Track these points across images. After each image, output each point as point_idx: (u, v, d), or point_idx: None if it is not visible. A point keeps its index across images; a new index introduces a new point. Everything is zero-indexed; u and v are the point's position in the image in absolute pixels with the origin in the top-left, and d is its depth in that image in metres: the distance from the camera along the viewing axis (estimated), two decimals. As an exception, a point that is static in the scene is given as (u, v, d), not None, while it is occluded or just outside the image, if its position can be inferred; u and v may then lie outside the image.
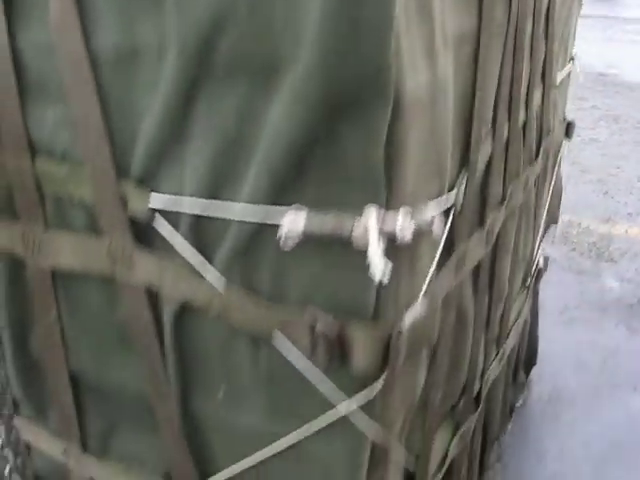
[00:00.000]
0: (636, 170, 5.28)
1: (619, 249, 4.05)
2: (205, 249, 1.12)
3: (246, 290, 1.09)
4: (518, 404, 2.71)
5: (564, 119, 2.38)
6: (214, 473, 1.33)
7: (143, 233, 1.17)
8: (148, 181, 1.13)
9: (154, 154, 1.11)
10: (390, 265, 0.93)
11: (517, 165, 1.71)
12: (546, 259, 2.57)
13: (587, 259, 3.93)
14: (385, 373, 1.06)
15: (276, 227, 1.01)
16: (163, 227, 1.13)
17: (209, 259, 1.12)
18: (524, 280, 2.24)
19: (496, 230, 1.56)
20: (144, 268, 1.17)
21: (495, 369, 1.97)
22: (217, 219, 1.08)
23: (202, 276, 1.12)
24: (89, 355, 1.38)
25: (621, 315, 3.38)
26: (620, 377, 2.92)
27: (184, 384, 1.26)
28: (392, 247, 0.99)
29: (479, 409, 1.81)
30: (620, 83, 7.33)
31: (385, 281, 0.95)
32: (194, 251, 1.12)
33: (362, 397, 1.08)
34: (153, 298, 1.21)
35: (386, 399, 1.09)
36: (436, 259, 1.17)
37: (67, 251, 1.26)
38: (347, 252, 0.99)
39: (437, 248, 1.17)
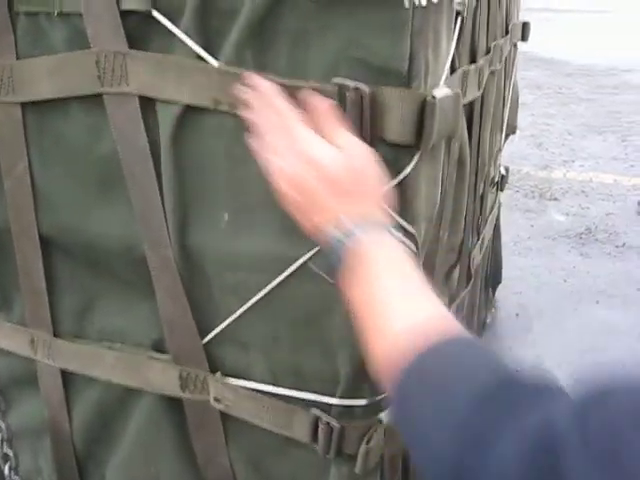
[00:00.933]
0: (564, 126, 5.42)
1: (560, 189, 4.11)
2: (213, 35, 1.01)
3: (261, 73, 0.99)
4: (488, 320, 2.68)
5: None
6: (218, 324, 1.21)
7: (137, 33, 1.06)
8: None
9: None
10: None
11: (495, 27, 1.66)
12: (507, 168, 2.55)
13: (531, 199, 3.97)
14: (418, 151, 0.98)
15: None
16: (162, 17, 1.02)
17: (218, 46, 1.01)
18: (493, 178, 2.21)
19: (484, 79, 1.51)
20: (140, 73, 1.06)
21: (477, 256, 1.92)
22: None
23: (211, 67, 1.01)
24: (65, 210, 1.24)
25: (572, 243, 3.41)
26: (581, 293, 2.94)
27: (183, 216, 1.14)
28: (421, 11, 0.92)
29: (471, 283, 1.75)
30: (539, 58, 7.52)
31: (423, 3, 0.86)
32: (201, 38, 1.01)
33: (393, 181, 0.99)
34: (147, 112, 1.10)
35: (415, 184, 1.01)
36: (453, 45, 1.10)
37: (42, 77, 1.13)
38: (380, 5, 0.91)
39: (454, 30, 1.10)
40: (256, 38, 0.99)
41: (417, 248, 1.07)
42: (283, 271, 1.10)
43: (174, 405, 1.34)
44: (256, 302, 1.15)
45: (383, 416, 1.19)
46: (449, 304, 1.60)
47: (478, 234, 1.91)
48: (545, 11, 10.14)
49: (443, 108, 0.97)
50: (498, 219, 2.58)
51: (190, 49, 1.03)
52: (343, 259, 0.79)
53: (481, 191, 1.84)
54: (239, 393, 1.24)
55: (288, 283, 1.11)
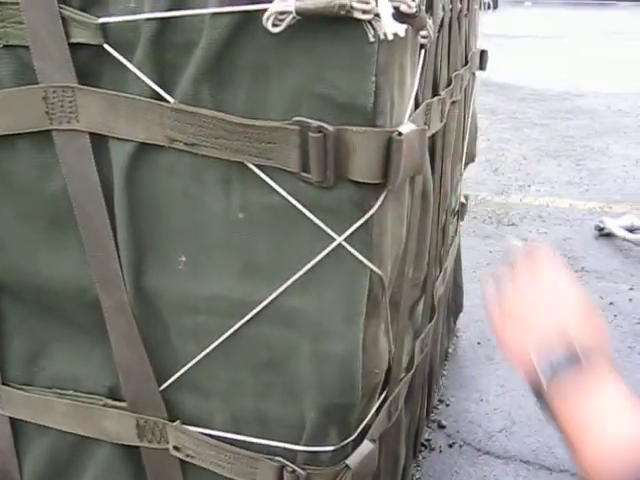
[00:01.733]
0: (520, 150, 5.47)
1: (517, 214, 4.13)
2: (168, 70, 0.97)
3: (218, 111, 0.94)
4: (450, 350, 2.65)
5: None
6: (176, 369, 1.16)
7: (87, 68, 1.01)
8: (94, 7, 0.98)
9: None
10: (402, 27, 0.82)
11: (455, 57, 1.65)
12: (466, 197, 2.54)
13: (489, 225, 3.98)
14: (385, 189, 0.95)
15: (258, 21, 0.88)
16: (114, 51, 0.97)
17: (173, 83, 0.97)
18: (454, 208, 2.19)
19: (446, 110, 1.49)
20: (90, 109, 1.01)
21: (440, 288, 1.89)
22: (183, 32, 0.94)
23: (166, 104, 0.96)
24: (14, 251, 1.18)
25: (531, 269, 3.41)
26: (542, 320, 2.92)
27: (137, 257, 1.09)
28: (387, 45, 0.89)
29: (435, 318, 1.72)
30: (492, 84, 7.62)
31: (389, 37, 0.83)
32: (155, 74, 0.97)
33: (359, 220, 0.95)
34: (99, 149, 1.05)
35: (381, 223, 0.98)
36: (417, 79, 1.07)
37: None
38: (344, 39, 0.87)
39: (418, 63, 1.07)
40: (213, 73, 0.95)
41: (384, 289, 1.03)
42: (244, 314, 1.06)
43: (132, 455, 1.28)
44: (216, 347, 1.11)
45: (350, 461, 1.15)
46: (414, 339, 1.56)
47: (440, 266, 1.89)
48: (500, 37, 10.32)
49: (409, 145, 0.94)
50: (459, 248, 2.57)
51: (144, 84, 0.98)
52: (563, 377, 0.75)
53: (443, 222, 1.81)
54: (200, 441, 1.18)
55: (249, 327, 1.07)
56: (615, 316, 2.96)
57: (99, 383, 1.26)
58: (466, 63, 1.88)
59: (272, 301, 1.03)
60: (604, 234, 3.81)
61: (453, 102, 1.61)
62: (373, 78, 0.89)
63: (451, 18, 1.51)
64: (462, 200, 2.44)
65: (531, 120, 6.44)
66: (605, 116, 6.58)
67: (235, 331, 1.07)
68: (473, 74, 2.18)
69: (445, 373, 2.53)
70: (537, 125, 6.26)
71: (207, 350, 1.11)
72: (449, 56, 1.53)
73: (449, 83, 1.54)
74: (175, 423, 1.19)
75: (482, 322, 2.87)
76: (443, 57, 1.46)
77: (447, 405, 2.36)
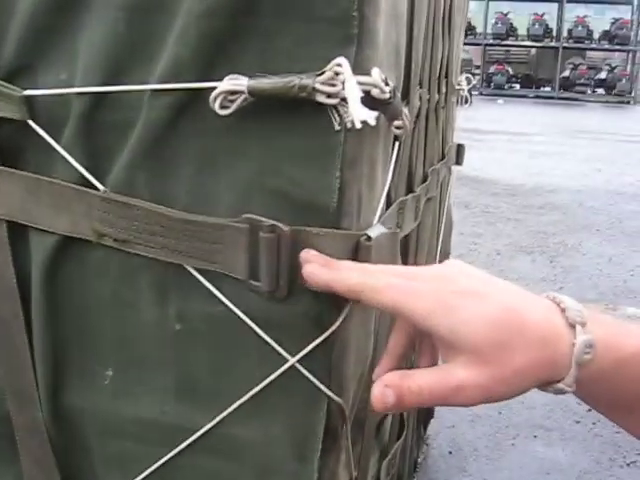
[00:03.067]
0: (493, 245, 5.40)
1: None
2: (101, 153, 0.83)
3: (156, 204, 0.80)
4: (420, 459, 2.46)
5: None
6: (97, 501, 0.97)
7: (10, 146, 0.87)
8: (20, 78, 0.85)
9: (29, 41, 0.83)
10: (372, 114, 0.69)
11: (432, 151, 1.54)
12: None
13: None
14: (348, 303, 0.80)
15: (205, 102, 0.75)
16: (39, 128, 0.84)
17: (105, 168, 0.83)
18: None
19: (421, 208, 1.36)
20: (11, 194, 0.86)
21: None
22: (119, 110, 0.80)
23: (94, 193, 0.82)
24: None
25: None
26: (517, 427, 2.76)
27: (56, 369, 0.92)
28: (355, 136, 0.76)
29: (404, 433, 1.55)
30: (465, 177, 7.64)
31: (358, 125, 0.69)
32: (85, 156, 0.83)
33: (316, 339, 0.80)
34: (18, 241, 0.90)
35: (344, 342, 0.82)
36: (389, 175, 0.94)
37: None
38: (304, 126, 0.74)
39: (391, 157, 0.94)
40: (151, 159, 0.81)
41: (344, 419, 0.87)
42: (178, 443, 0.89)
43: None
44: (145, 477, 0.93)
45: None
46: (380, 460, 1.39)
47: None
48: (473, 132, 10.46)
49: (379, 250, 0.80)
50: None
51: (73, 169, 0.84)
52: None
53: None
54: None
55: (183, 457, 0.90)
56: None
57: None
58: (443, 157, 1.77)
59: (211, 429, 0.86)
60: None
61: (428, 199, 1.49)
62: (338, 173, 0.75)
63: (428, 109, 1.40)
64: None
65: (504, 215, 6.42)
66: (577, 213, 6.59)
67: (166, 462, 0.90)
68: (449, 169, 2.08)
69: (414, 486, 2.34)
70: (510, 220, 6.23)
71: (134, 481, 0.93)
72: (425, 150, 1.41)
73: (425, 179, 1.42)
74: None
75: (454, 428, 2.70)
76: (419, 151, 1.34)
77: (414, 526, 2.16)
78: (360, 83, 0.71)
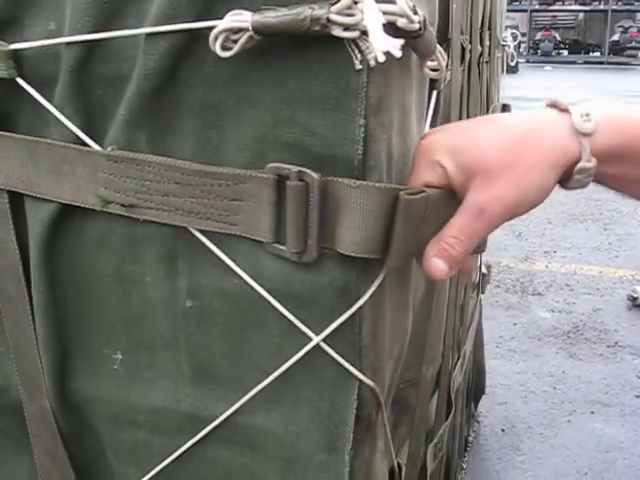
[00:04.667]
0: (544, 214, 5.21)
1: (543, 283, 3.85)
2: (96, 111, 0.74)
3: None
4: (471, 438, 2.36)
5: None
6: (111, 495, 0.89)
7: (1, 107, 0.78)
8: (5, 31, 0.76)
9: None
10: (397, 43, 0.58)
11: (475, 108, 1.41)
12: (488, 266, 2.28)
13: (513, 294, 3.70)
14: (382, 272, 0.69)
15: (207, 45, 0.65)
16: (28, 86, 0.75)
17: (101, 127, 0.74)
18: (474, 281, 1.93)
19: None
20: (8, 160, 0.78)
21: (458, 377, 1.62)
22: (112, 60, 0.71)
23: (99, 152, 0.73)
24: None
25: (559, 343, 3.13)
26: (574, 403, 2.63)
27: (60, 354, 0.84)
28: (380, 75, 0.65)
29: (451, 415, 1.44)
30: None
31: (380, 58, 0.58)
32: (79, 116, 0.74)
33: (343, 314, 0.70)
34: (16, 212, 0.81)
35: (376, 317, 0.72)
36: (428, 121, 0.83)
37: None
38: (320, 66, 0.64)
39: (427, 106, 0.83)
40: (152, 114, 0.71)
41: (379, 405, 0.76)
42: (195, 433, 0.80)
43: None
44: (161, 471, 0.84)
45: None
46: (425, 443, 1.29)
47: (459, 350, 1.62)
48: (518, 100, 10.17)
49: (423, 210, 0.69)
50: (480, 324, 2.29)
51: (68, 131, 0.75)
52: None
53: (461, 299, 1.55)
54: None
55: (201, 449, 0.81)
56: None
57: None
58: (487, 116, 1.64)
59: (229, 418, 0.77)
60: (637, 304, 3.52)
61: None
62: (361, 120, 0.64)
63: (470, 61, 1.27)
64: (483, 270, 2.18)
65: (555, 182, 6.20)
66: (632, 179, 6.33)
67: (183, 453, 0.81)
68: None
69: (464, 466, 2.23)
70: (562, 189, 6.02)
71: (149, 475, 0.84)
72: (468, 105, 1.29)
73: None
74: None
75: (507, 405, 2.58)
76: (461, 105, 1.22)
77: (467, 508, 2.06)
78: (384, 12, 0.60)
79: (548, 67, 19.90)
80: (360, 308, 0.70)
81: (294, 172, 0.65)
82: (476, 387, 2.36)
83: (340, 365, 0.72)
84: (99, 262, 0.78)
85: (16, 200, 0.81)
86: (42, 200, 0.79)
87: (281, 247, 0.68)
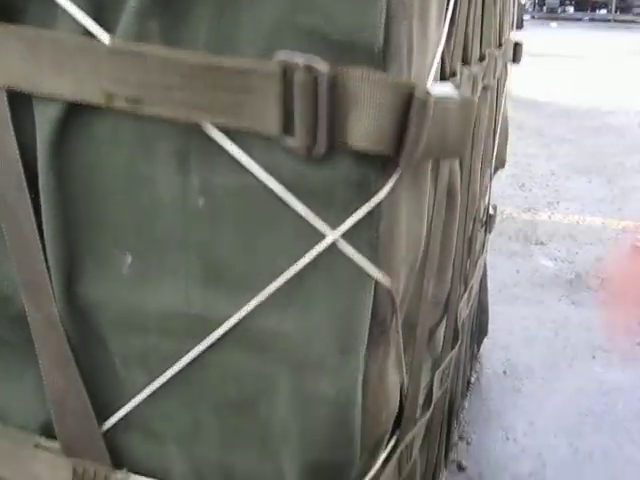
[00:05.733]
0: (547, 166, 5.18)
1: (546, 233, 3.83)
2: (105, 4, 0.71)
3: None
4: (473, 379, 2.36)
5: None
6: (122, 404, 0.89)
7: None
8: None
9: None
10: None
11: (489, 33, 1.38)
12: (495, 207, 2.26)
13: (516, 242, 3.68)
14: (398, 168, 0.67)
15: None
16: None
17: (111, 21, 0.71)
18: (482, 218, 1.91)
19: (478, 91, 1.21)
20: (9, 56, 0.75)
21: (464, 310, 1.61)
22: None
23: (102, 44, 0.70)
24: None
25: (562, 291, 3.12)
26: (575, 347, 2.63)
27: (69, 258, 0.82)
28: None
29: (458, 343, 1.44)
30: (519, 99, 7.33)
31: None
32: (90, 4, 0.71)
33: (360, 209, 0.68)
34: (22, 113, 0.79)
35: (393, 215, 0.70)
36: (444, 34, 0.80)
37: None
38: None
39: (444, 16, 0.80)
40: (165, 4, 0.68)
41: (394, 307, 0.75)
42: (205, 337, 0.78)
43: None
44: (170, 378, 0.83)
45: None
46: (432, 370, 1.28)
47: (466, 283, 1.60)
48: (527, 55, 10.03)
49: (441, 113, 0.67)
50: (485, 266, 2.28)
51: (75, 21, 0.72)
52: None
53: (470, 231, 1.53)
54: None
55: (212, 353, 0.79)
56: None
57: (31, 417, 0.99)
58: (499, 46, 1.60)
59: (240, 321, 0.75)
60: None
61: (485, 87, 1.34)
62: (383, 4, 0.62)
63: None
64: (491, 211, 2.16)
65: (559, 136, 6.15)
66: (636, 134, 6.28)
67: (194, 359, 0.80)
68: (506, 66, 1.91)
69: (466, 406, 2.24)
70: (566, 141, 5.97)
71: (159, 381, 0.83)
72: (482, 26, 1.26)
73: (481, 59, 1.27)
74: (121, 472, 0.92)
75: (508, 348, 2.59)
76: (476, 27, 1.19)
77: (468, 443, 2.07)
78: None
79: (554, 24, 19.60)
80: (378, 205, 0.68)
81: (301, 66, 0.62)
82: (479, 328, 2.36)
83: (356, 264, 0.70)
84: (109, 160, 0.76)
85: (23, 101, 0.79)
86: (49, 100, 0.76)
87: (290, 141, 0.66)
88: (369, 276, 0.71)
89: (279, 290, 0.73)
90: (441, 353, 1.34)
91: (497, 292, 3.01)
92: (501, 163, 2.22)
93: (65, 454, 0.95)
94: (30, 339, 0.91)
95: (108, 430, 0.91)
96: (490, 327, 2.53)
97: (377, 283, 0.72)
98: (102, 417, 0.90)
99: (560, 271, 3.32)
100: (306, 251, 0.71)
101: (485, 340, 2.52)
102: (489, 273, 2.57)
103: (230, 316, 0.76)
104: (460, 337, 1.46)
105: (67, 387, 0.90)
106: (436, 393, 1.26)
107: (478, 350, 2.43)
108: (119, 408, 0.89)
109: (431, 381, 1.25)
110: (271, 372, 0.77)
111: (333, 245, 0.70)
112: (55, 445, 0.97)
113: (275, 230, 0.72)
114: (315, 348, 0.74)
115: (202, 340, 0.79)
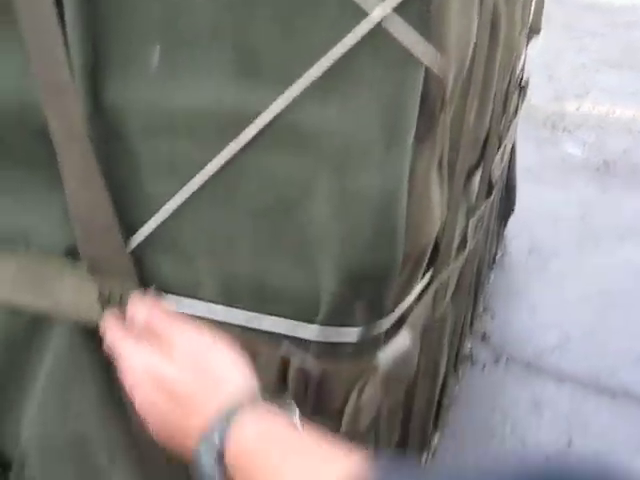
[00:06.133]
0: (578, 59, 5.00)
1: (574, 122, 3.73)
2: None
3: None
4: (498, 256, 2.33)
5: None
6: (149, 218, 0.85)
7: None
8: None
9: None
10: None
11: None
12: (527, 80, 2.16)
13: (543, 130, 3.59)
14: None
15: None
16: None
17: None
18: (517, 79, 1.82)
19: None
20: None
21: (497, 166, 1.54)
22: None
23: None
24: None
25: (590, 176, 3.05)
26: (602, 230, 2.58)
27: (94, 55, 0.77)
28: None
29: (492, 195, 1.38)
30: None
31: None
32: None
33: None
34: None
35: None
36: None
37: None
38: None
39: None
40: None
41: (444, 97, 0.69)
42: (238, 135, 0.73)
43: (95, 336, 0.98)
44: (202, 186, 0.79)
45: (382, 358, 0.84)
46: (467, 217, 1.23)
47: (499, 140, 1.54)
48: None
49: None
50: (515, 141, 2.20)
51: None
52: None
53: (506, 84, 1.46)
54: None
55: (246, 153, 0.74)
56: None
57: (55, 238, 0.96)
58: None
59: (278, 114, 0.70)
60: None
61: None
62: None
63: None
64: (524, 78, 2.07)
65: (590, 30, 5.91)
66: (672, 27, 6.04)
67: (227, 162, 0.75)
68: None
69: (491, 281, 2.21)
70: (597, 35, 5.74)
71: (189, 190, 0.79)
72: None
73: None
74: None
75: (535, 229, 2.54)
76: None
77: (492, 316, 2.05)
78: None
79: None
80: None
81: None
82: (506, 205, 2.30)
83: (405, 45, 0.64)
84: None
85: None
86: None
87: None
88: (419, 59, 0.65)
89: (320, 78, 0.67)
90: (475, 202, 1.29)
91: (523, 176, 2.94)
92: (536, 31, 2.12)
93: (91, 275, 0.92)
94: (55, 157, 0.86)
95: (135, 248, 0.88)
96: (515, 208, 2.48)
97: (427, 70, 0.66)
98: (129, 234, 0.87)
99: (588, 158, 3.24)
100: (350, 31, 0.64)
101: (510, 220, 2.47)
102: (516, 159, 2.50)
103: (265, 110, 0.71)
104: (493, 192, 1.40)
105: (93, 203, 0.86)
106: (470, 241, 1.22)
107: (504, 227, 2.38)
108: (146, 221, 0.85)
109: (465, 227, 1.21)
110: (311, 171, 0.72)
111: (380, 23, 0.63)
112: (80, 268, 0.94)
113: (316, 8, 0.65)
114: (359, 140, 0.69)
115: (234, 140, 0.74)
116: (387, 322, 0.83)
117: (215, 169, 0.77)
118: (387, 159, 0.68)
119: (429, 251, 0.85)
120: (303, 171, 0.72)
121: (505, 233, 2.46)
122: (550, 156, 3.23)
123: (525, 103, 3.40)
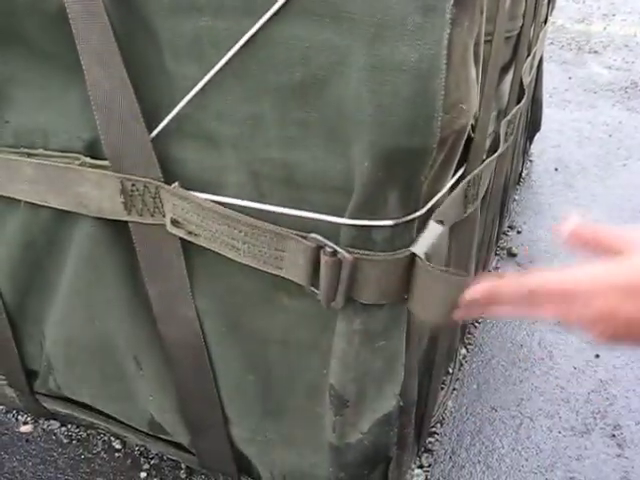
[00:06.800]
0: None
1: (601, 42, 3.62)
2: None
3: None
4: (524, 175, 2.28)
5: None
6: (173, 106, 0.82)
7: None
8: None
9: None
10: None
11: None
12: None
13: (568, 51, 3.49)
14: None
15: None
16: None
17: None
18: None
19: None
20: None
21: (527, 74, 1.48)
22: None
23: None
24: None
25: (616, 97, 2.97)
26: (630, 149, 2.52)
27: None
28: None
29: (523, 100, 1.33)
30: None
31: None
32: None
33: None
34: None
35: None
36: None
37: None
38: None
39: None
40: None
41: None
42: (265, 9, 0.69)
43: (118, 234, 0.96)
44: (227, 64, 0.75)
45: (416, 248, 0.81)
46: (498, 120, 1.19)
47: (529, 48, 1.47)
48: None
49: None
50: (541, 58, 2.13)
51: None
52: None
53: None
54: (207, 211, 0.85)
55: (272, 28, 0.70)
56: None
57: (75, 136, 0.93)
58: None
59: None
60: None
61: None
62: None
63: None
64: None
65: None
66: None
67: (252, 36, 0.71)
68: None
69: (516, 198, 2.17)
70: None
71: (214, 70, 0.75)
72: None
73: None
74: (173, 186, 0.86)
75: (560, 148, 2.48)
76: None
77: (518, 232, 2.02)
78: None
79: None
80: None
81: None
82: (532, 122, 2.24)
83: None
84: None
85: None
86: None
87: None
88: None
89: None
90: (507, 105, 1.24)
91: (548, 97, 2.87)
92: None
93: (112, 169, 0.89)
94: (70, 47, 0.83)
95: (158, 137, 0.84)
96: (542, 128, 2.42)
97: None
98: (151, 121, 0.83)
99: (615, 79, 3.15)
100: None
101: (535, 139, 2.41)
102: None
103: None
104: (524, 98, 1.35)
105: (113, 89, 0.82)
106: (502, 142, 1.17)
107: (530, 145, 2.33)
108: (170, 110, 0.81)
109: (497, 129, 1.17)
110: (344, 41, 0.68)
111: None
112: (101, 163, 0.91)
113: None
114: (394, 7, 0.64)
115: (260, 15, 0.69)
116: (421, 211, 0.80)
117: (239, 46, 0.72)
118: (424, 24, 0.64)
119: (464, 138, 0.81)
120: (336, 42, 0.68)
121: (531, 151, 2.41)
122: (576, 77, 3.15)
123: (550, 25, 3.30)
